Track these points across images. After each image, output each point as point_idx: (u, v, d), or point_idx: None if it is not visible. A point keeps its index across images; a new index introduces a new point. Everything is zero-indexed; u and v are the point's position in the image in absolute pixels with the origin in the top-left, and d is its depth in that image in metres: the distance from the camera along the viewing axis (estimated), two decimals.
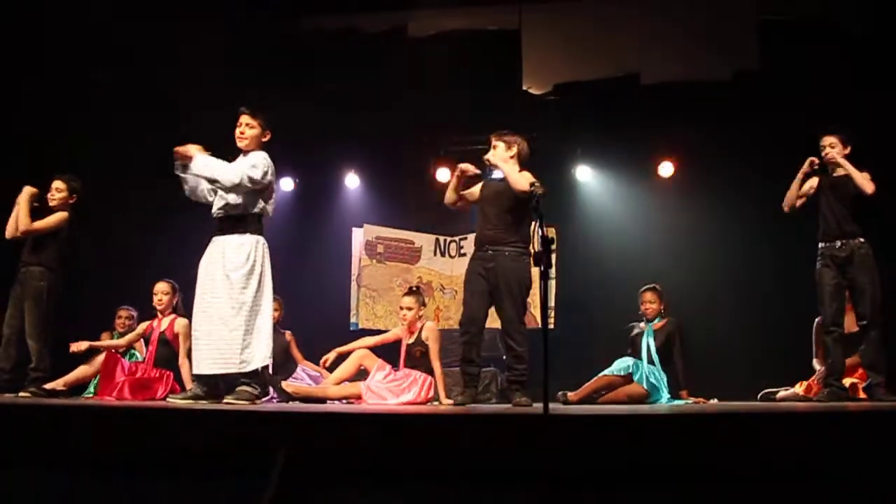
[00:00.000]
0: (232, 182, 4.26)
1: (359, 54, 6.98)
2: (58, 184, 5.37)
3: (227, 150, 4.49)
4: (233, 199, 4.33)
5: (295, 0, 6.71)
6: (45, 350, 5.18)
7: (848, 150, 4.96)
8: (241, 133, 4.42)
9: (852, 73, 6.17)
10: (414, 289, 5.90)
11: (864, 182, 4.79)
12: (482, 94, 6.76)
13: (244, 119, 4.43)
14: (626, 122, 6.91)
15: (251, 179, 4.27)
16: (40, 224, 5.25)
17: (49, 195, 5.36)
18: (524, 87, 6.98)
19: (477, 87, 6.78)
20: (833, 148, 4.95)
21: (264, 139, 4.46)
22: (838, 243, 4.88)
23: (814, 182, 5.08)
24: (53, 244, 5.28)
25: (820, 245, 4.98)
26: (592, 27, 6.95)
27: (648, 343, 5.66)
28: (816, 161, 5.01)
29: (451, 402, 4.98)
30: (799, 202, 5.09)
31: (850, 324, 5.07)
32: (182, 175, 4.49)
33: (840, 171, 4.95)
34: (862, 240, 4.86)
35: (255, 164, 4.31)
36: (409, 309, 5.51)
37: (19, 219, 5.22)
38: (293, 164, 7.48)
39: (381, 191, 7.73)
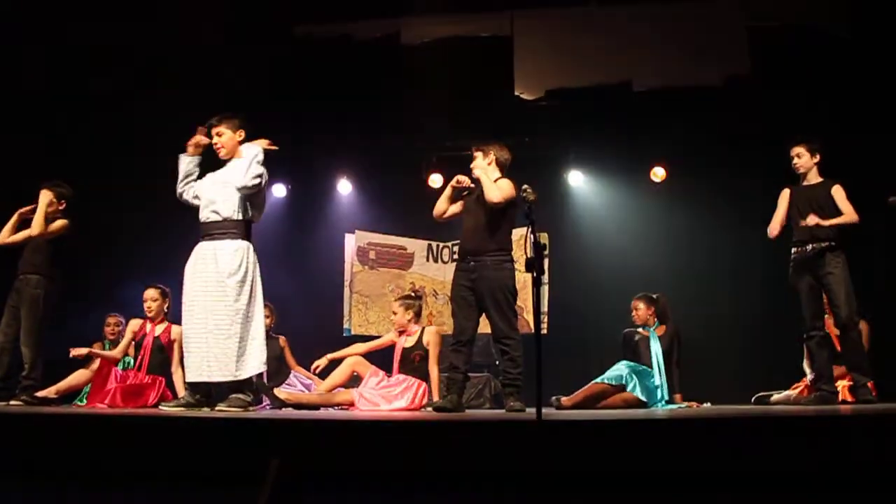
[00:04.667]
0: (249, 190, 4.33)
1: (351, 61, 6.99)
2: (45, 192, 5.34)
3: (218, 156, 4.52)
4: (223, 204, 4.33)
5: (288, 8, 6.71)
6: (39, 358, 5.16)
7: (817, 158, 5.03)
8: (216, 145, 4.46)
9: (842, 77, 6.22)
10: (414, 294, 5.91)
11: (851, 217, 4.82)
12: (474, 100, 6.77)
13: (213, 131, 4.46)
14: (618, 127, 6.93)
15: (260, 176, 4.34)
16: (51, 228, 5.25)
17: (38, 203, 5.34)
18: (516, 93, 6.99)
19: (469, 94, 6.79)
20: (801, 157, 5.03)
21: (240, 139, 4.46)
22: (809, 247, 4.93)
23: (785, 194, 5.13)
24: (51, 252, 5.27)
25: (792, 251, 5.03)
26: (584, 34, 6.97)
27: (653, 349, 5.66)
28: (788, 192, 5.09)
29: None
30: (780, 228, 5.11)
31: (830, 328, 5.10)
32: (193, 164, 4.52)
33: (810, 181, 5.02)
34: (833, 243, 4.88)
35: (257, 159, 4.34)
36: (394, 313, 5.56)
37: (37, 219, 5.20)
38: (286, 171, 7.47)
39: (373, 197, 7.73)
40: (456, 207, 4.77)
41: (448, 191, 4.74)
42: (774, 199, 5.21)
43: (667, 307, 5.86)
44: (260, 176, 4.34)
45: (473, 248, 4.53)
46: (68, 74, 6.34)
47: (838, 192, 4.90)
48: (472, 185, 4.65)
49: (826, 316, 5.07)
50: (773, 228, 5.11)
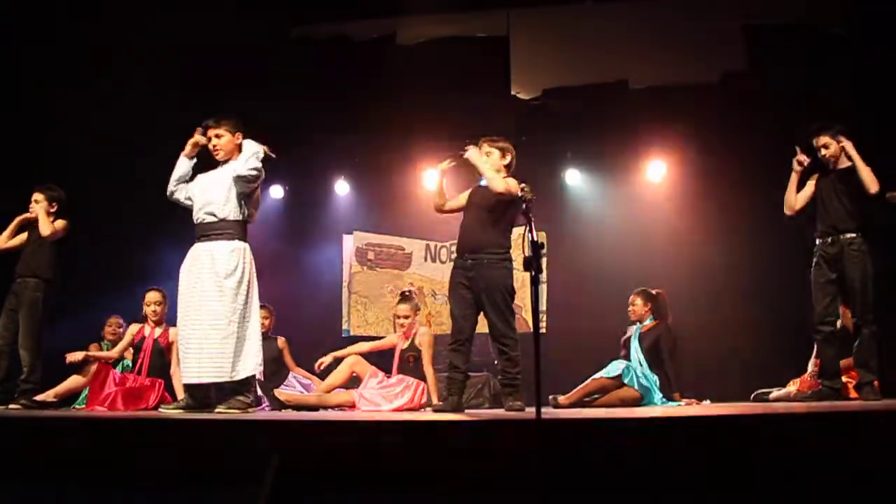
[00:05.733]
0: (245, 181, 4.31)
1: (348, 62, 6.99)
2: (36, 195, 5.34)
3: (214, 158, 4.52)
4: (220, 205, 4.32)
5: (285, 9, 6.71)
6: (38, 361, 5.16)
7: (843, 142, 4.88)
8: (215, 147, 4.43)
9: (838, 74, 6.22)
10: (407, 294, 5.88)
11: (871, 181, 4.71)
12: (471, 99, 6.77)
13: (210, 132, 4.42)
14: (615, 125, 6.93)
15: (258, 170, 4.32)
16: (57, 227, 5.25)
17: (31, 208, 5.34)
18: (513, 93, 7.00)
19: (466, 93, 6.79)
20: (828, 148, 4.91)
21: (238, 141, 4.45)
22: (829, 239, 4.84)
23: (813, 179, 5.03)
24: (52, 254, 5.28)
25: (816, 241, 4.93)
26: (580, 32, 6.98)
27: (634, 346, 5.69)
28: (805, 160, 4.99)
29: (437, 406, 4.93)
30: (801, 204, 5.02)
31: (847, 322, 5.05)
32: (190, 165, 4.52)
33: (841, 165, 4.92)
34: (854, 235, 4.78)
35: (257, 155, 4.33)
36: (406, 317, 5.52)
37: (43, 224, 5.21)
38: (282, 172, 7.46)
39: (370, 197, 7.74)
40: (456, 202, 4.77)
41: (438, 179, 4.73)
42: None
43: (665, 304, 5.86)
44: (258, 170, 4.32)
45: (471, 246, 4.52)
46: (66, 74, 6.33)
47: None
48: (457, 158, 4.57)
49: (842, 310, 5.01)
50: (792, 206, 5.05)
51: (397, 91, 6.85)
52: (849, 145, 4.82)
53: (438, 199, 4.75)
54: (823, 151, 4.95)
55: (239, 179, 4.30)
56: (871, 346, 4.77)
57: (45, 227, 5.22)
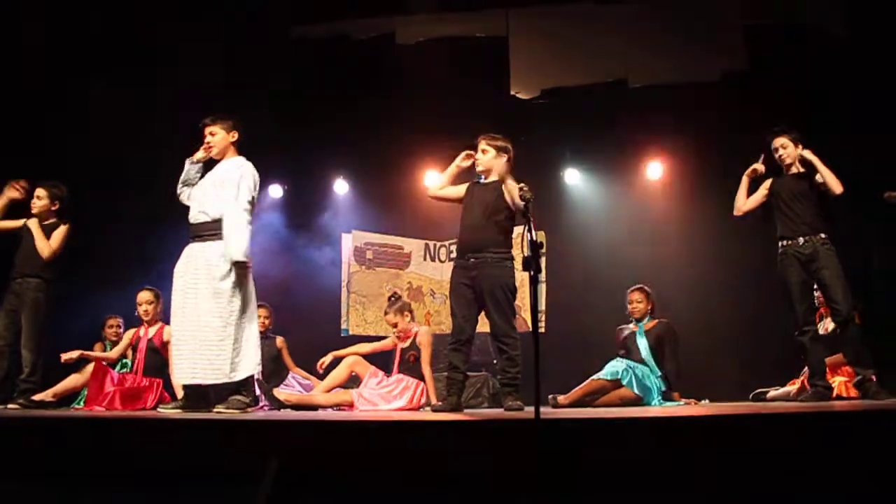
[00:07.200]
0: (241, 214, 4.27)
1: (348, 61, 6.99)
2: (39, 192, 5.32)
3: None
4: (214, 206, 4.31)
5: (285, 8, 6.71)
6: (39, 361, 5.15)
7: (800, 148, 4.97)
8: (208, 144, 4.46)
9: (837, 74, 6.23)
10: (392, 299, 5.87)
11: (835, 183, 4.75)
12: (471, 99, 6.77)
13: (206, 130, 4.47)
14: (615, 124, 6.93)
15: (250, 202, 4.32)
16: (56, 244, 5.23)
17: (32, 203, 5.32)
18: (512, 92, 7.00)
19: (465, 93, 6.79)
20: (785, 148, 5.00)
21: (233, 140, 4.46)
22: (801, 240, 4.85)
23: (766, 184, 5.10)
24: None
25: (780, 244, 4.95)
26: (580, 32, 6.98)
27: (640, 344, 5.67)
28: (761, 169, 5.10)
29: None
30: (749, 207, 5.13)
31: (828, 323, 5.06)
32: (195, 170, 4.54)
33: (795, 170, 4.99)
34: (824, 235, 4.82)
35: (248, 186, 4.32)
36: (395, 325, 5.52)
37: (40, 244, 5.17)
38: (282, 171, 7.47)
39: (369, 197, 7.73)
40: (453, 191, 4.75)
41: (454, 168, 4.72)
42: None
43: (655, 302, 5.87)
44: (254, 197, 4.34)
45: (474, 245, 4.51)
46: (63, 74, 6.32)
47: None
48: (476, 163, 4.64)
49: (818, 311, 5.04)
50: (740, 208, 5.17)
51: (397, 90, 6.85)
52: (808, 153, 4.90)
53: (441, 182, 4.74)
54: (781, 151, 5.03)
55: (240, 212, 4.28)
56: (861, 341, 4.80)
57: (44, 249, 5.19)
